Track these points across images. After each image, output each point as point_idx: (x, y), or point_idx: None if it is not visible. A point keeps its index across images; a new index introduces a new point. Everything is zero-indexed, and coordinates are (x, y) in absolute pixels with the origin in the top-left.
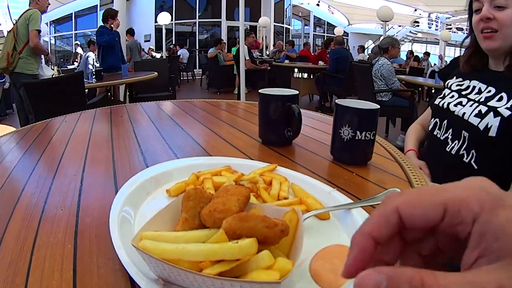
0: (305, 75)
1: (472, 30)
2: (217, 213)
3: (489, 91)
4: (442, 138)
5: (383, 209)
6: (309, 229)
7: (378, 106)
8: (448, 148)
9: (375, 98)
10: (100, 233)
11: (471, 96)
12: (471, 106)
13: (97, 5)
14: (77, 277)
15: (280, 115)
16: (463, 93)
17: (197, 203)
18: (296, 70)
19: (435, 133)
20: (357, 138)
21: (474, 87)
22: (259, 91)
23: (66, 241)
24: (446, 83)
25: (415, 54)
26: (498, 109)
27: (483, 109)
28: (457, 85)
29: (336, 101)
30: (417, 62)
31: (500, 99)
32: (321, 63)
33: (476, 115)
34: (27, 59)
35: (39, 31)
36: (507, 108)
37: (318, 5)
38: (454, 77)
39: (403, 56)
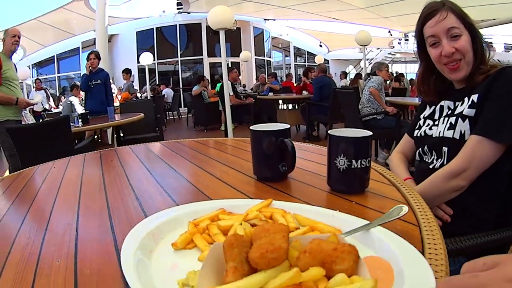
0: (290, 106)
1: (424, 59)
2: (269, 254)
3: (457, 105)
4: (429, 161)
5: None
6: None
7: (370, 133)
8: (431, 166)
9: (362, 123)
10: (102, 286)
11: (444, 114)
12: (443, 122)
13: (79, 47)
14: None
15: (273, 150)
16: (436, 116)
17: (241, 249)
18: (280, 102)
19: (424, 159)
20: (353, 166)
21: (442, 107)
22: (250, 128)
23: None
24: (421, 115)
25: (394, 75)
26: (463, 112)
27: (453, 119)
28: (429, 114)
29: (328, 132)
30: (398, 82)
31: (463, 103)
32: (304, 92)
33: (449, 128)
34: None
35: None
36: (469, 106)
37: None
38: (426, 108)
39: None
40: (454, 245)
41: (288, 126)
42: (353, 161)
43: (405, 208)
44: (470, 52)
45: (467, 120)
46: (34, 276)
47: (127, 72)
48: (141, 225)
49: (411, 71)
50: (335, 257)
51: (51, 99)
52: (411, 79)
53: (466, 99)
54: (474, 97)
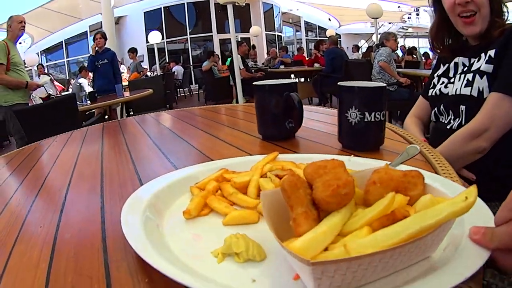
0: (302, 79)
1: (438, 9)
2: (342, 189)
3: (473, 62)
4: (446, 122)
5: None
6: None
7: (384, 84)
8: (449, 126)
9: None
10: (79, 250)
11: (459, 71)
12: (459, 80)
13: (86, 31)
14: None
15: (279, 106)
16: (450, 74)
17: (305, 190)
18: (292, 75)
19: (441, 119)
20: (366, 120)
21: (457, 64)
22: (254, 83)
23: (40, 260)
24: (435, 74)
25: (407, 48)
26: (480, 68)
27: (470, 76)
28: (443, 72)
29: (339, 83)
30: (411, 55)
31: (479, 59)
32: (316, 65)
33: (466, 85)
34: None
35: (3, 64)
36: (486, 62)
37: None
38: (440, 66)
39: (399, 52)
40: None
41: (295, 80)
42: (366, 113)
43: (418, 148)
44: (486, 6)
45: (485, 77)
46: (15, 241)
47: (132, 51)
48: (138, 197)
49: (423, 45)
50: (407, 182)
51: (54, 84)
52: (425, 53)
53: (482, 54)
54: (491, 52)
